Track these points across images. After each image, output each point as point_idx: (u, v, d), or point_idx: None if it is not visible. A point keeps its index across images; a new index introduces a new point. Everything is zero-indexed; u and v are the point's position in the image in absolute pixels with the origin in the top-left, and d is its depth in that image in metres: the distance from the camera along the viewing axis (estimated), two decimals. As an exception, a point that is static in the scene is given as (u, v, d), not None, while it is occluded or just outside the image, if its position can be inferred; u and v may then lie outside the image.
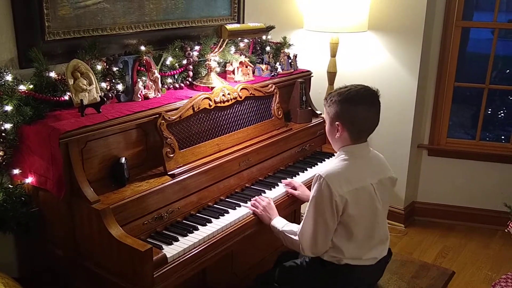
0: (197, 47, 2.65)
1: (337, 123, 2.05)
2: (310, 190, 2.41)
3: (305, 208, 3.32)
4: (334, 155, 2.89)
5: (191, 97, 2.34)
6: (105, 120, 2.00)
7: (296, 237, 2.08)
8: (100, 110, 2.07)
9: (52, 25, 2.19)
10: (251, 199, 2.33)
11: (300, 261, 2.22)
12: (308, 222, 2.02)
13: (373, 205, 2.05)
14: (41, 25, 2.16)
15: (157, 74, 2.35)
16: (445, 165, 4.03)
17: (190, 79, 2.60)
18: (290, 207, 2.48)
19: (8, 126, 1.94)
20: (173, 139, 2.18)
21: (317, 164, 2.81)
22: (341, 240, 2.03)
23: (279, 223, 2.20)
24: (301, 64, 3.17)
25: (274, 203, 2.32)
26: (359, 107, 2.02)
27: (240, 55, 2.80)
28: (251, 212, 2.26)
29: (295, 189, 2.48)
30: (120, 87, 2.28)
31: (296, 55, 3.08)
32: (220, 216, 2.18)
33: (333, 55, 3.65)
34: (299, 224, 2.12)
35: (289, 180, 2.55)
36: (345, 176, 1.99)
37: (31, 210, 2.03)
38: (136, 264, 1.75)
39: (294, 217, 3.13)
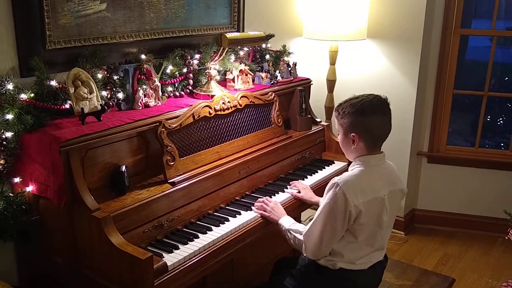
0: (197, 56, 2.67)
1: (352, 134, 2.06)
2: (315, 194, 2.43)
3: (305, 216, 3.33)
4: (334, 163, 2.93)
5: (191, 105, 2.35)
6: (105, 128, 2.00)
7: (301, 236, 2.11)
8: (101, 119, 2.08)
9: (53, 34, 2.20)
10: (256, 202, 2.35)
11: (295, 271, 2.22)
12: (317, 226, 2.03)
13: (380, 216, 2.06)
14: (42, 34, 2.17)
15: (157, 83, 2.36)
16: (445, 173, 4.03)
17: (190, 87, 2.61)
18: (291, 213, 2.48)
19: (9, 134, 1.94)
20: (174, 147, 2.18)
21: (317, 172, 2.81)
22: (342, 246, 2.05)
23: (287, 222, 2.23)
24: (301, 72, 3.18)
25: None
26: (373, 117, 2.04)
27: (240, 63, 2.81)
28: (255, 217, 2.27)
29: (299, 192, 2.51)
30: (120, 95, 2.29)
31: (296, 63, 3.10)
32: (220, 224, 2.17)
33: (333, 63, 3.67)
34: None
35: (295, 182, 2.57)
36: (360, 186, 2.01)
37: (32, 218, 2.03)
38: (137, 272, 1.75)
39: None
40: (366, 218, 2.01)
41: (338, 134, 2.17)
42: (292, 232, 2.16)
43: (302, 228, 2.14)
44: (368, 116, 2.04)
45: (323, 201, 2.05)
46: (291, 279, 2.21)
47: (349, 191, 1.96)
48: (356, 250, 2.07)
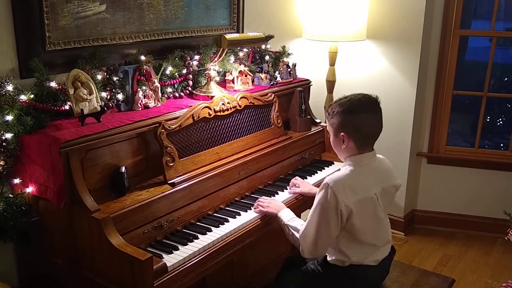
0: (196, 57, 2.67)
1: (342, 133, 2.07)
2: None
3: (305, 217, 3.32)
4: (333, 163, 2.94)
5: (191, 106, 2.35)
6: (105, 129, 2.01)
7: (298, 235, 2.11)
8: (101, 120, 2.08)
9: (52, 35, 2.20)
10: (252, 206, 2.34)
11: (304, 268, 2.24)
12: (311, 227, 2.04)
13: (376, 215, 2.08)
14: (41, 35, 2.17)
15: (157, 84, 2.36)
16: (445, 173, 4.03)
17: (190, 88, 2.61)
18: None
19: (9, 135, 1.94)
20: (173, 148, 2.18)
21: (316, 173, 2.82)
22: (347, 246, 2.07)
23: (286, 215, 2.23)
24: (300, 73, 3.19)
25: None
26: (362, 115, 2.05)
27: (240, 64, 2.81)
28: (255, 217, 2.27)
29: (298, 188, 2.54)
30: (120, 96, 2.29)
31: (295, 64, 3.10)
32: (220, 225, 2.18)
33: (332, 63, 3.67)
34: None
35: (292, 180, 2.57)
36: (351, 186, 2.01)
37: (32, 219, 2.03)
38: (137, 273, 1.75)
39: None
40: (361, 220, 2.02)
41: (329, 135, 2.18)
42: (290, 228, 2.17)
43: (300, 225, 2.14)
44: (356, 115, 2.04)
45: (315, 201, 2.06)
46: (299, 278, 2.22)
47: (339, 191, 1.97)
48: (362, 252, 2.08)
